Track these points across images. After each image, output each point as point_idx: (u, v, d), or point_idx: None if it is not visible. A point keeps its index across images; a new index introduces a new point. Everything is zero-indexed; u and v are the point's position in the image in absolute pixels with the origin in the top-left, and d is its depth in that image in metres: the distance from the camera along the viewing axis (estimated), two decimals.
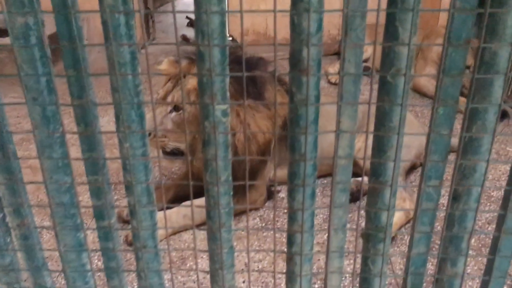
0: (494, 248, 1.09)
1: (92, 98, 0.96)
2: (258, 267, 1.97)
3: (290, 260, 1.13)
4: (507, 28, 0.87)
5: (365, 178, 2.37)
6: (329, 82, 4.16)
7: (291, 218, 1.08)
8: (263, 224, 2.28)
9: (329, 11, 0.86)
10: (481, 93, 0.92)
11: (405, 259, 1.17)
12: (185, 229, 2.19)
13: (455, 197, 1.04)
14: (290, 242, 1.11)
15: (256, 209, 2.39)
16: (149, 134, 2.08)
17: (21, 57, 0.91)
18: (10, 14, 0.88)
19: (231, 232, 1.10)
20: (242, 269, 1.90)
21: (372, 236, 1.09)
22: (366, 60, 4.48)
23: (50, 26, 0.91)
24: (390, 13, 0.88)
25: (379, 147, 1.00)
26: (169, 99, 2.14)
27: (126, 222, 2.17)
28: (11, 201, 1.07)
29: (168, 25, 6.94)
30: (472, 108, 0.94)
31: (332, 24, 5.32)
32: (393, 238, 2.03)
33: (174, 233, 2.17)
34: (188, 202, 2.10)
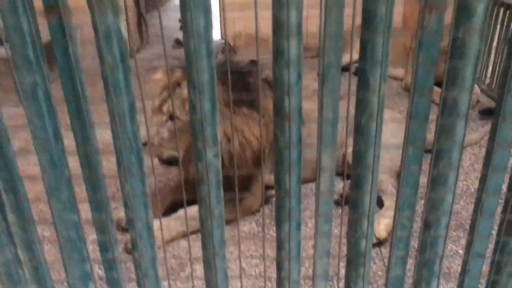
0: (463, 270, 1.15)
1: (94, 145, 1.01)
2: (255, 271, 2.01)
3: (279, 284, 1.18)
4: (466, 78, 0.93)
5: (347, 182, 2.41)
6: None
7: (279, 248, 1.13)
8: (260, 229, 2.30)
9: (307, 66, 0.92)
10: (446, 135, 0.99)
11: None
12: (183, 235, 2.18)
13: (426, 225, 1.10)
14: (279, 268, 1.16)
15: (253, 213, 2.40)
16: (145, 144, 2.10)
17: (29, 110, 0.97)
18: (19, 74, 0.93)
19: (224, 260, 1.16)
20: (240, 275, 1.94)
21: (353, 261, 1.14)
22: (357, 61, 4.51)
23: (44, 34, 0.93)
24: (362, 67, 0.94)
25: (356, 183, 1.05)
26: (164, 108, 2.12)
27: (124, 230, 2.17)
28: (22, 238, 1.12)
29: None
30: (438, 148, 1.00)
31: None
32: (383, 242, 2.05)
33: (173, 240, 2.17)
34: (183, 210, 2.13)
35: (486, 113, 3.32)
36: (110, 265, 1.15)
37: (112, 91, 0.94)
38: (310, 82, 4.08)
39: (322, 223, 1.11)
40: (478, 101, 3.61)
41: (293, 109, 0.96)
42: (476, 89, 3.81)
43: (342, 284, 1.21)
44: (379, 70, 0.92)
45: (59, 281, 1.68)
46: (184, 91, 2.04)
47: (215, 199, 1.06)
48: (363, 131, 1.00)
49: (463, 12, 0.87)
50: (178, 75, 2.07)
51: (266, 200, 2.47)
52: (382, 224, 1.98)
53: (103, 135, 1.15)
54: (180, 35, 6.01)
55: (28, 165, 2.96)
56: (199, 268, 1.94)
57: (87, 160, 1.02)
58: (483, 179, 1.04)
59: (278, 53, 0.92)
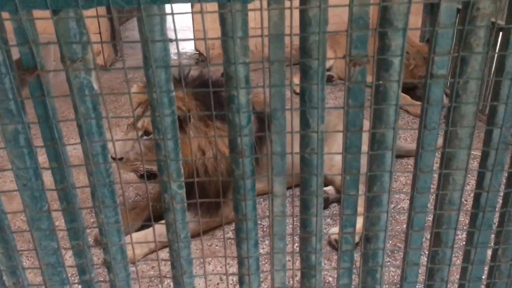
0: (402, 276, 1.36)
1: (71, 182, 1.17)
2: (232, 280, 2.17)
3: None
4: (390, 117, 1.12)
5: (331, 187, 2.60)
6: (295, 92, 4.40)
7: (240, 264, 1.31)
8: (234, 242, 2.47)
9: (254, 112, 1.10)
10: (377, 163, 1.18)
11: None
12: (162, 247, 2.34)
13: (367, 239, 1.30)
14: (241, 282, 1.34)
15: (230, 223, 2.55)
16: (121, 159, 2.21)
17: (12, 154, 1.12)
18: (2, 122, 1.08)
19: (192, 277, 1.33)
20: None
21: (306, 274, 1.33)
22: (329, 69, 4.69)
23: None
24: (302, 111, 1.12)
25: (305, 205, 1.24)
26: (139, 124, 2.26)
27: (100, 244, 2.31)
28: (7, 265, 1.27)
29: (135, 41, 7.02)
30: (371, 174, 1.20)
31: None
32: (358, 243, 2.25)
33: (152, 252, 2.32)
34: (159, 224, 2.30)
35: None
36: (88, 286, 1.31)
37: (86, 136, 1.10)
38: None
39: (277, 241, 1.30)
40: None
41: (245, 146, 1.14)
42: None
43: None
44: (316, 113, 1.11)
45: None
46: None
47: (181, 224, 1.23)
48: (308, 162, 1.18)
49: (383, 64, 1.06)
50: None
51: None
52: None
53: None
54: None
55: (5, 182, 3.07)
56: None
57: (64, 195, 1.18)
58: (411, 199, 1.24)
59: (230, 101, 1.09)
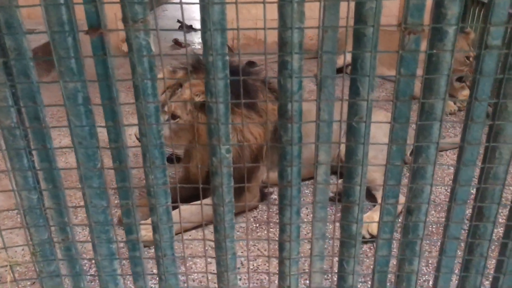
0: (441, 250, 1.42)
1: (125, 141, 1.26)
2: (253, 265, 2.27)
3: (281, 263, 1.44)
4: (440, 87, 1.18)
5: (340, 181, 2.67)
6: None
7: (281, 231, 1.39)
8: (257, 225, 2.55)
9: (306, 77, 1.17)
10: (424, 134, 1.24)
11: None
12: (185, 230, 2.42)
13: (408, 211, 1.36)
14: (281, 248, 1.42)
15: (250, 210, 2.63)
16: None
17: (70, 112, 1.21)
18: (63, 81, 1.17)
19: (234, 242, 1.41)
20: (238, 267, 2.20)
21: (346, 243, 1.40)
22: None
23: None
24: (352, 78, 1.19)
25: (348, 174, 1.31)
26: (166, 108, 2.35)
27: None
28: (58, 221, 1.37)
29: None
30: (418, 145, 1.26)
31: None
32: (372, 238, 2.34)
33: (179, 233, 2.34)
34: (179, 208, 2.40)
35: None
36: (133, 245, 1.40)
37: (142, 97, 1.19)
38: (307, 83, 4.32)
39: (318, 209, 1.37)
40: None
41: (295, 112, 1.21)
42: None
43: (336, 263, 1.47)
44: (367, 81, 1.17)
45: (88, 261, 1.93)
46: (186, 91, 2.28)
47: (226, 188, 1.31)
48: (355, 131, 1.25)
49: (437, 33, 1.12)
50: (180, 76, 2.29)
51: (264, 198, 2.69)
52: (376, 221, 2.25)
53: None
54: (179, 35, 6.24)
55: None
56: (198, 262, 2.20)
57: (117, 154, 1.26)
58: (456, 172, 1.30)
59: (282, 66, 1.16)
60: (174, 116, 2.36)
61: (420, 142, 1.25)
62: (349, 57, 1.20)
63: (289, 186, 1.31)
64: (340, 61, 4.73)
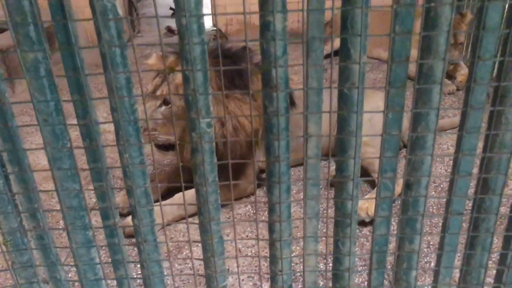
0: (444, 227, 1.33)
1: (95, 118, 1.16)
2: (251, 252, 2.19)
3: (272, 245, 1.35)
4: (439, 46, 1.08)
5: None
6: None
7: (271, 210, 1.30)
8: (254, 211, 2.49)
9: (292, 42, 1.06)
10: (423, 100, 1.14)
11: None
12: (180, 218, 2.39)
13: (407, 186, 1.26)
14: (271, 230, 1.33)
15: (248, 196, 2.59)
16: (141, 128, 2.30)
17: (32, 86, 1.11)
18: (22, 51, 1.07)
19: (220, 224, 1.32)
20: (235, 256, 2.13)
21: (340, 222, 1.31)
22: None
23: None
24: (343, 38, 1.08)
25: (341, 148, 1.21)
26: (158, 93, 2.29)
27: (123, 215, 2.36)
28: (27, 207, 1.27)
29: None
30: (416, 112, 1.16)
31: None
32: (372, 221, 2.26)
33: (169, 224, 2.36)
34: (180, 194, 2.32)
35: None
36: (111, 231, 1.31)
37: (110, 66, 1.08)
38: (297, 61, 4.21)
39: (310, 186, 1.27)
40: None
41: (280, 79, 1.11)
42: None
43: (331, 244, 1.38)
44: (359, 41, 1.07)
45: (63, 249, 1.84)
46: (178, 76, 2.19)
47: (209, 166, 1.22)
48: (347, 98, 1.15)
49: None
50: (171, 61, 2.21)
51: (260, 184, 2.64)
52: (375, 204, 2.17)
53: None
54: (171, 23, 6.12)
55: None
56: (196, 250, 2.12)
57: (87, 131, 1.16)
58: (459, 141, 1.20)
59: (264, 28, 1.06)
60: (166, 102, 2.29)
61: (419, 108, 1.15)
62: (337, 42, 1.11)
63: (277, 162, 1.21)
64: (327, 47, 4.64)
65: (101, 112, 3.57)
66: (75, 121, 1.16)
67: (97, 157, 1.20)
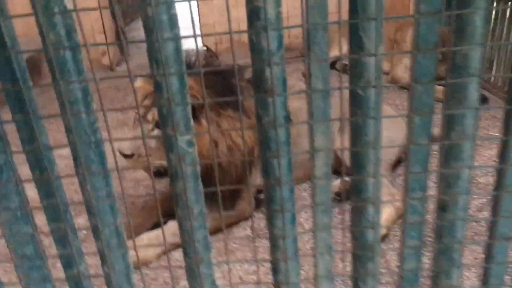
0: (488, 256, 1.08)
1: (45, 141, 0.92)
2: (253, 279, 1.95)
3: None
4: (476, 28, 0.86)
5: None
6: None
7: (274, 246, 1.05)
8: (254, 235, 2.26)
9: (289, 27, 0.84)
10: (457, 98, 0.91)
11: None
12: (175, 247, 2.15)
13: (442, 207, 1.02)
14: (275, 270, 1.08)
15: (246, 219, 2.35)
16: (132, 155, 2.07)
17: None
18: None
19: (211, 267, 1.07)
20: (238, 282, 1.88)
21: (360, 256, 1.06)
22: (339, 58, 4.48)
23: None
24: (352, 24, 0.86)
25: (357, 163, 0.98)
26: (149, 116, 2.08)
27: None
28: None
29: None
30: (449, 114, 0.93)
31: None
32: (386, 236, 2.01)
33: (164, 253, 2.12)
34: (175, 221, 2.09)
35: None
36: (75, 283, 1.06)
37: (59, 75, 0.85)
38: (296, 82, 4.02)
39: (320, 214, 1.03)
40: None
41: (276, 80, 0.88)
42: None
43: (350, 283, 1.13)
44: (373, 28, 0.84)
45: None
46: None
47: (193, 195, 0.98)
48: (360, 101, 0.92)
49: None
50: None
51: (259, 204, 2.43)
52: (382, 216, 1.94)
53: None
54: None
55: None
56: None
57: (36, 159, 0.93)
58: (504, 150, 0.97)
59: (253, 15, 0.84)
60: (158, 125, 2.08)
61: (452, 109, 0.92)
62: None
63: (278, 185, 0.97)
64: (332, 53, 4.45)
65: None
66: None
67: (51, 191, 0.96)
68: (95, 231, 1.00)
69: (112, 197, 0.98)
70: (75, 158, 0.94)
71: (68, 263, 1.04)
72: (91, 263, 2.00)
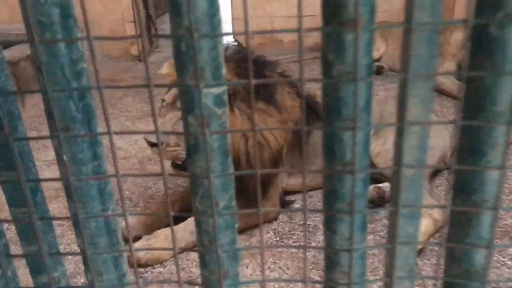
0: None
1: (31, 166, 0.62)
2: (274, 287, 1.75)
3: None
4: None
5: (387, 184, 2.12)
6: None
7: (331, 262, 0.72)
8: (278, 239, 2.10)
9: None
10: None
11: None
12: (193, 245, 1.95)
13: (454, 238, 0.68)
14: None
15: (270, 222, 2.21)
16: (161, 144, 1.94)
17: None
18: None
19: (238, 285, 0.75)
20: None
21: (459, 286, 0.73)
22: (378, 60, 4.18)
23: None
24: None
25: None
26: (178, 104, 1.96)
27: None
28: None
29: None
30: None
31: None
32: (422, 250, 1.85)
33: (181, 252, 1.95)
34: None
35: None
36: None
37: (46, 77, 0.54)
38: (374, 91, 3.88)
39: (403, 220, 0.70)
40: None
41: (363, 5, 0.56)
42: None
43: None
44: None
45: None
46: None
47: (219, 179, 0.66)
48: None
49: None
50: None
51: (284, 206, 2.30)
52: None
53: None
54: None
55: None
56: None
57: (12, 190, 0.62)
58: None
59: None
60: None
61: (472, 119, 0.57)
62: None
63: (349, 172, 0.64)
64: (379, 53, 4.16)
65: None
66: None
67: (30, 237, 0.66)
68: (76, 224, 0.69)
69: (103, 174, 0.67)
70: (70, 194, 0.63)
71: (36, 266, 0.73)
72: (71, 269, 1.73)
